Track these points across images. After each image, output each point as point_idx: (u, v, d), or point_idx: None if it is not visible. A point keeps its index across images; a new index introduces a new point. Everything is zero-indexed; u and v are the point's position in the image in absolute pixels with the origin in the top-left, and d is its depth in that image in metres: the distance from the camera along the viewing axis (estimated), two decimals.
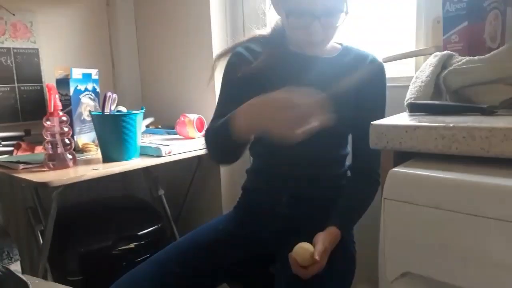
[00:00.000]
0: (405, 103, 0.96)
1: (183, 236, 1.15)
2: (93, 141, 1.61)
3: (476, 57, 0.93)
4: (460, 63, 0.94)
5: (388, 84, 1.44)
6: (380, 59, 1.14)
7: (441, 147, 0.67)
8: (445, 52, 1.01)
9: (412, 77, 1.34)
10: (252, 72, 1.06)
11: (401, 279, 0.63)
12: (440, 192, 0.60)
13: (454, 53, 1.01)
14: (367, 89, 1.09)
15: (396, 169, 0.66)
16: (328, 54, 1.12)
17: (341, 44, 1.16)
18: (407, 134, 0.70)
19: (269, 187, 1.13)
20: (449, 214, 0.58)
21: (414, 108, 0.87)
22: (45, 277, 1.35)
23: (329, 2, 0.96)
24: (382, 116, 1.08)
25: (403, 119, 0.80)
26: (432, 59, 1.00)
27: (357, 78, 1.07)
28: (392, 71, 1.47)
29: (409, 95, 0.96)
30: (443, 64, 0.97)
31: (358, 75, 1.08)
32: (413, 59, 1.40)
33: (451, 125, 0.66)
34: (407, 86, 1.04)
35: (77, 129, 1.58)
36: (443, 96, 0.96)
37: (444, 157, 0.68)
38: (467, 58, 0.94)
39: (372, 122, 0.76)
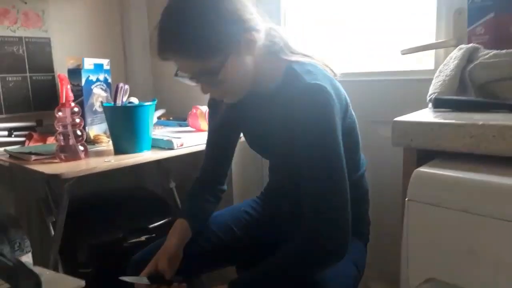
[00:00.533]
0: (428, 98, 0.92)
1: None
2: (105, 132, 1.60)
3: (504, 51, 0.89)
4: (486, 56, 0.90)
5: (406, 77, 1.40)
6: (314, 83, 0.83)
7: (469, 146, 0.63)
8: (470, 45, 0.96)
9: (431, 70, 1.29)
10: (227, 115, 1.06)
11: (424, 285, 0.60)
12: (469, 195, 0.57)
13: (479, 45, 0.96)
14: (295, 124, 0.86)
15: (421, 169, 0.63)
16: (271, 84, 0.94)
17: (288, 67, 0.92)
18: (433, 132, 0.67)
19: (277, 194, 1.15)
20: (479, 219, 0.55)
21: (439, 104, 0.83)
22: (56, 269, 1.35)
23: (182, 68, 0.88)
24: (312, 163, 0.83)
25: (427, 115, 0.76)
26: (457, 52, 0.95)
27: (285, 111, 0.89)
28: (411, 64, 1.42)
29: (433, 90, 0.92)
30: (469, 57, 0.92)
31: (284, 107, 0.90)
32: (433, 52, 1.35)
33: (480, 123, 0.63)
34: (426, 80, 1.00)
35: (88, 120, 1.56)
36: (468, 91, 0.91)
37: (469, 156, 0.64)
38: (494, 51, 0.90)
39: (395, 119, 0.73)
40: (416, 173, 0.62)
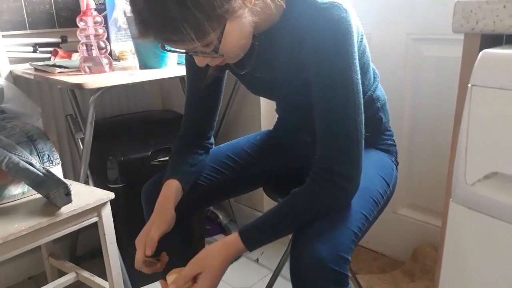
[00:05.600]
0: None
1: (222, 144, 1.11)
2: (130, 50, 1.54)
3: None
4: None
5: None
6: (327, 2, 0.75)
7: None
8: None
9: None
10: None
11: (484, 182, 0.52)
12: None
13: None
14: (307, 54, 0.78)
15: (489, 50, 0.53)
16: (273, 22, 0.83)
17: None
18: (506, 10, 0.56)
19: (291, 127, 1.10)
20: None
21: None
22: (86, 183, 1.36)
23: (175, 47, 0.74)
24: (326, 96, 0.77)
25: None
26: None
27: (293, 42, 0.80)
28: None
29: None
30: None
31: (291, 38, 0.80)
32: None
33: None
34: None
35: (113, 36, 1.49)
36: None
37: None
38: None
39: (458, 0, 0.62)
40: (483, 55, 0.53)
